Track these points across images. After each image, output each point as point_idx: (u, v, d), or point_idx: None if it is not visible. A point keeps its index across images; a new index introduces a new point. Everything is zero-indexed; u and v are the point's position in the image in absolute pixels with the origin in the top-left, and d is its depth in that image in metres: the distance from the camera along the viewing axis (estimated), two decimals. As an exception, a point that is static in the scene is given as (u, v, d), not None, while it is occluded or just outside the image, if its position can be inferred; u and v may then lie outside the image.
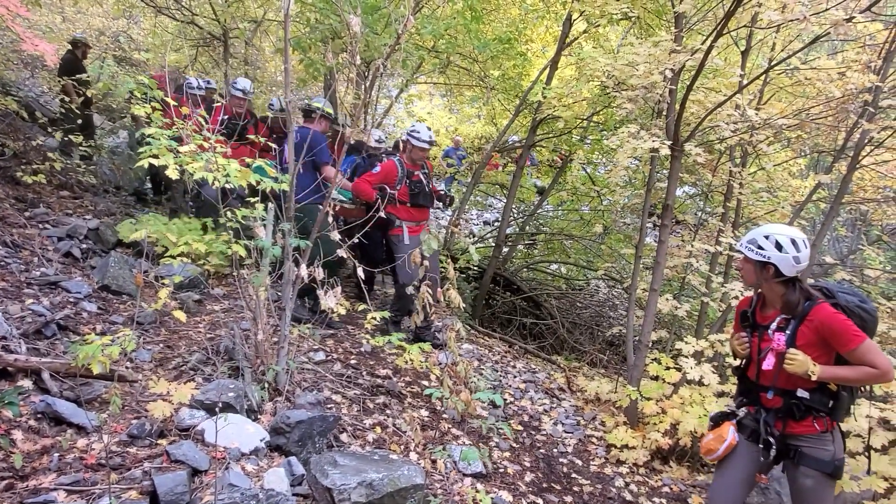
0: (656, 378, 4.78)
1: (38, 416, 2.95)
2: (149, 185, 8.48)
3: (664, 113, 4.94)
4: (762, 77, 5.13)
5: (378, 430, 3.87)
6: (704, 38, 4.78)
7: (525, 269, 9.88)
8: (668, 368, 4.74)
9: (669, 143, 4.55)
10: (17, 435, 2.78)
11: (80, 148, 7.01)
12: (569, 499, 3.91)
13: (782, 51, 5.40)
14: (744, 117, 4.84)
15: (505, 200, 9.17)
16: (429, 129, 5.51)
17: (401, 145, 5.61)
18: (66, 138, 6.99)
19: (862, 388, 2.86)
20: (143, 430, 2.97)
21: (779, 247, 2.69)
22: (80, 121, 7.27)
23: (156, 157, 3.34)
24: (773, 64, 4.90)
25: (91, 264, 5.21)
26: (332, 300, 3.54)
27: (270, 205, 3.83)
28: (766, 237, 2.72)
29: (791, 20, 3.78)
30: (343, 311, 3.78)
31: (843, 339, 2.64)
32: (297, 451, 3.17)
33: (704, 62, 4.17)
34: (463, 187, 9.26)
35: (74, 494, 2.49)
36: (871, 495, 3.56)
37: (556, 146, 8.97)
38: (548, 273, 10.16)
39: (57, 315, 4.01)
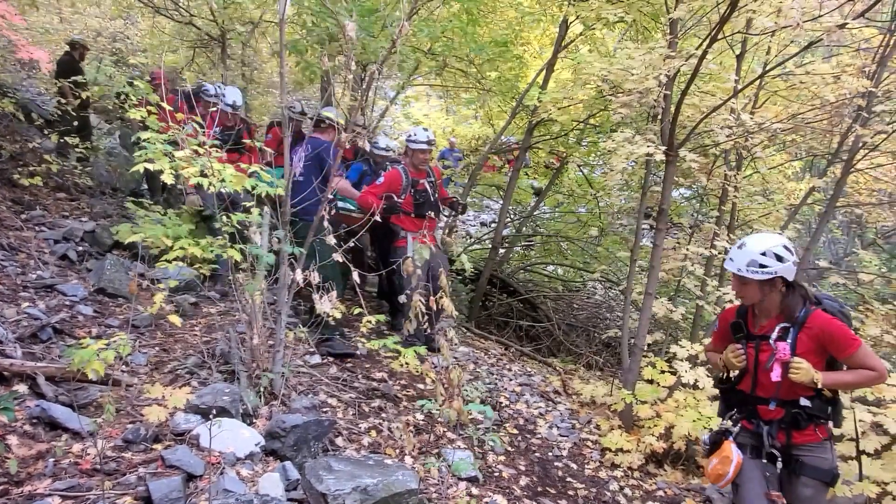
0: (651, 381, 4.80)
1: (34, 420, 2.95)
2: (145, 187, 8.48)
3: (659, 117, 4.96)
4: (757, 82, 5.15)
5: (373, 433, 3.88)
6: (699, 42, 4.80)
7: (522, 271, 9.89)
8: (662, 372, 4.76)
9: (664, 148, 4.57)
10: (12, 440, 2.78)
11: (77, 150, 7.02)
12: (563, 503, 3.92)
13: (777, 55, 5.43)
14: (738, 122, 4.86)
15: (501, 202, 9.18)
16: (425, 129, 5.43)
17: (407, 152, 5.50)
18: (62, 140, 7.00)
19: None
20: (138, 434, 2.98)
21: (780, 258, 2.69)
22: (76, 122, 7.28)
23: (151, 161, 3.36)
24: (767, 69, 4.92)
25: (87, 267, 5.21)
26: (327, 304, 3.56)
27: (266, 209, 3.84)
28: (764, 254, 2.70)
29: (785, 26, 3.80)
30: (339, 315, 3.80)
31: (842, 344, 2.66)
32: (293, 456, 3.18)
33: (699, 67, 4.19)
34: (460, 189, 9.28)
35: (69, 500, 2.50)
36: (863, 500, 3.58)
37: (552, 148, 8.99)
38: (544, 275, 10.18)
39: (53, 318, 4.01)
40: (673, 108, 4.63)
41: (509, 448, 4.40)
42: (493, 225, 10.12)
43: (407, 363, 3.95)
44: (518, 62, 8.36)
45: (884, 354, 5.02)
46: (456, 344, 3.37)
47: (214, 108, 5.22)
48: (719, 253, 5.41)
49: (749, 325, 2.89)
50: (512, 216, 10.30)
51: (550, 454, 4.53)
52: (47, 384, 3.24)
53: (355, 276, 3.72)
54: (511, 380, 5.79)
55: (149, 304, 3.39)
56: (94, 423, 3.00)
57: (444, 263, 5.48)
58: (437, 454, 3.85)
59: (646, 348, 5.01)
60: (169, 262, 3.55)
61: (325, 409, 3.94)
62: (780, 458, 2.76)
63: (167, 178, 3.26)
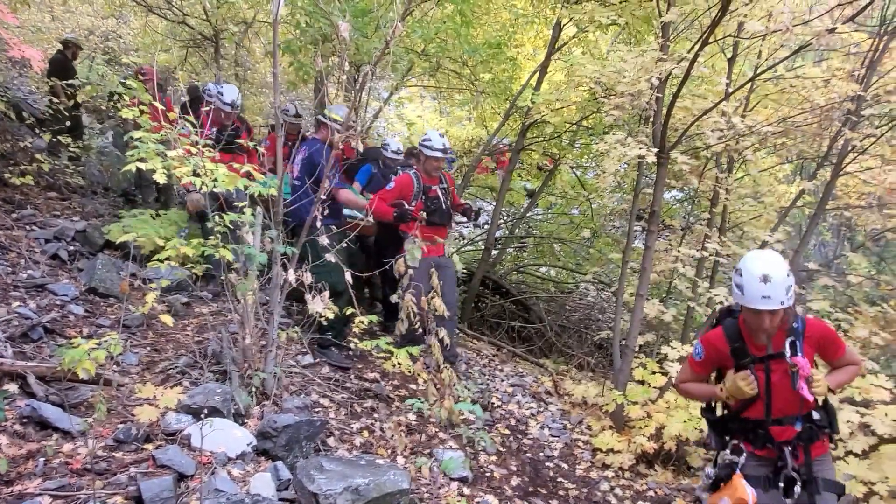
0: (642, 382, 4.82)
1: (24, 420, 2.94)
2: (134, 188, 8.44)
3: (651, 120, 4.99)
4: (748, 85, 5.19)
5: (365, 433, 3.88)
6: (691, 45, 4.83)
7: (514, 273, 9.92)
8: (653, 373, 4.78)
9: (656, 150, 4.60)
10: (3, 439, 2.77)
11: (69, 149, 6.98)
12: (554, 503, 3.94)
13: (768, 58, 5.47)
14: (729, 124, 4.90)
15: (494, 203, 9.20)
16: (442, 135, 5.18)
17: (420, 157, 5.26)
18: (54, 139, 6.96)
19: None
20: (129, 434, 2.97)
21: (790, 273, 2.57)
22: (68, 122, 7.24)
23: (143, 160, 3.35)
24: (758, 72, 4.96)
25: (78, 266, 5.19)
26: (319, 305, 3.56)
27: (259, 209, 3.84)
28: (788, 275, 2.52)
29: (775, 30, 3.84)
30: (331, 316, 3.79)
31: (836, 346, 2.65)
32: (284, 456, 3.18)
33: (690, 70, 4.22)
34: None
35: (59, 500, 2.49)
36: (851, 500, 3.61)
37: (545, 150, 9.02)
38: (537, 276, 10.20)
39: (43, 318, 4.00)
40: (665, 111, 4.66)
41: (501, 448, 4.42)
42: (485, 226, 10.14)
43: (399, 363, 3.95)
44: (512, 64, 8.37)
45: (872, 356, 5.07)
46: (447, 345, 3.37)
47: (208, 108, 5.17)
48: (710, 255, 5.44)
49: (750, 348, 2.69)
50: (505, 217, 10.32)
51: (542, 454, 4.55)
52: (38, 383, 3.23)
53: (347, 276, 3.73)
54: (503, 380, 5.81)
55: (140, 303, 3.39)
56: (84, 423, 3.00)
57: (452, 273, 5.32)
58: (429, 454, 3.86)
59: (637, 349, 5.03)
60: (161, 261, 3.54)
61: (317, 409, 3.94)
62: (798, 481, 2.59)
63: (159, 178, 3.25)
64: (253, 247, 3.63)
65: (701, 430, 4.35)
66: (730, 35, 4.89)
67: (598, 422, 5.00)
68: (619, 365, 4.97)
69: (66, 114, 7.13)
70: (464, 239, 11.21)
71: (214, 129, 5.26)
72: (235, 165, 3.56)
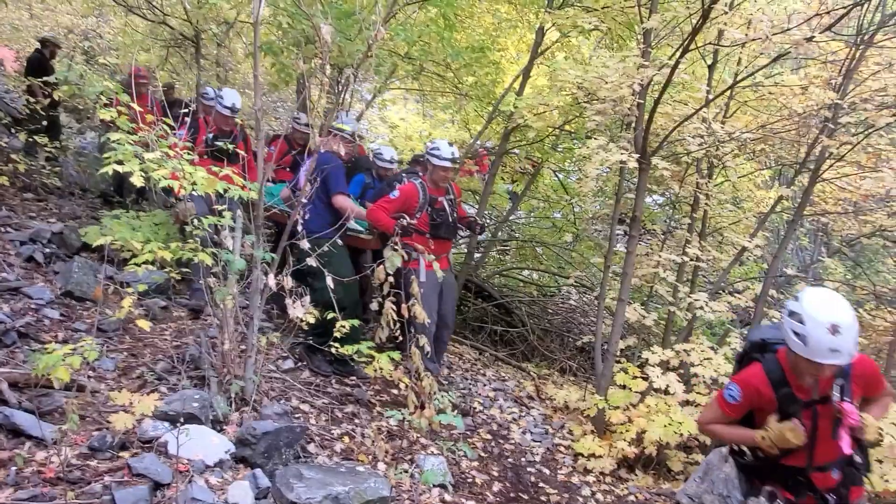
0: (624, 387, 4.85)
1: (-4, 428, 2.88)
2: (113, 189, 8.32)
3: (633, 125, 5.02)
4: (728, 92, 5.25)
5: (346, 439, 3.86)
6: (673, 52, 4.87)
7: (497, 276, 9.92)
8: (634, 377, 4.80)
9: (637, 156, 4.63)
10: (-27, 448, 2.71)
11: (46, 149, 6.87)
12: (535, 508, 3.94)
13: (748, 66, 5.54)
14: (710, 131, 4.95)
15: (477, 207, 9.21)
16: (451, 144, 4.82)
17: (427, 167, 4.96)
18: (30, 139, 6.85)
19: None
20: (104, 442, 2.92)
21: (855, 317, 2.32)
22: (45, 122, 7.13)
23: (121, 163, 3.29)
24: (738, 79, 5.02)
25: (54, 269, 5.10)
26: (300, 310, 3.53)
27: (239, 212, 3.80)
28: (854, 319, 2.23)
29: (754, 39, 3.88)
30: (312, 321, 3.76)
31: (879, 381, 2.46)
32: (263, 463, 3.15)
33: (671, 77, 4.25)
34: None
35: (31, 510, 2.44)
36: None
37: (528, 153, 9.04)
38: (519, 279, 10.22)
39: (17, 322, 3.92)
40: (646, 117, 4.69)
41: (482, 454, 4.41)
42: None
43: (381, 369, 3.92)
44: (495, 68, 8.39)
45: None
46: (428, 352, 3.36)
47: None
48: (691, 259, 5.49)
49: (794, 390, 2.42)
50: (488, 221, 10.33)
51: (523, 460, 4.55)
52: (10, 390, 3.16)
53: (329, 281, 3.69)
54: (485, 385, 5.81)
55: (117, 306, 3.34)
56: (58, 431, 2.94)
57: (454, 286, 5.15)
58: (411, 460, 3.84)
59: (618, 354, 5.06)
60: (138, 265, 3.48)
61: (297, 415, 3.90)
62: None
63: (136, 181, 3.20)
64: (233, 251, 3.59)
65: (681, 435, 4.38)
66: (710, 43, 4.94)
67: (579, 426, 5.01)
68: (601, 369, 4.99)
69: (44, 113, 7.02)
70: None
71: (210, 136, 5.09)
72: (230, 174, 3.51)
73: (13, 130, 7.28)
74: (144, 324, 3.21)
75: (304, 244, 3.68)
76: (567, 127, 7.60)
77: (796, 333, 2.23)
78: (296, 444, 3.39)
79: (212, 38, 8.79)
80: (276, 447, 3.22)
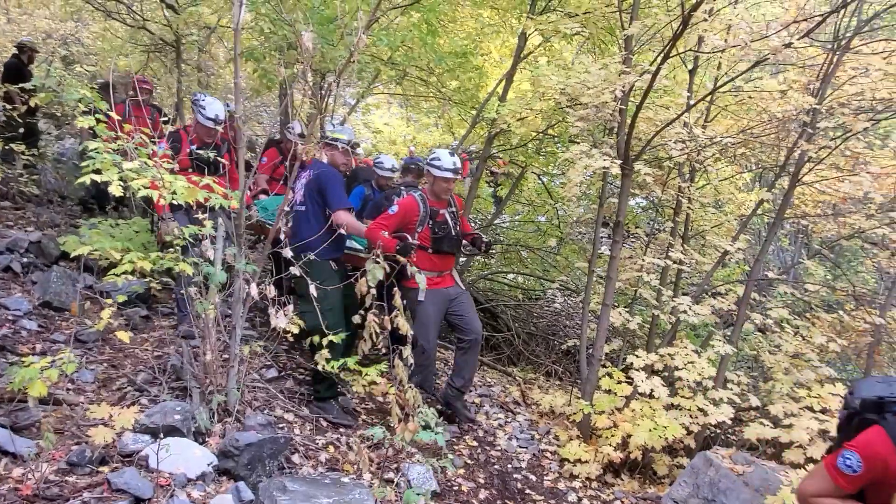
0: (609, 391, 4.85)
1: (-30, 444, 2.82)
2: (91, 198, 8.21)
3: (615, 131, 5.05)
4: (708, 97, 5.29)
5: (331, 449, 3.83)
6: (654, 58, 4.91)
7: (482, 280, 9.91)
8: (619, 382, 4.81)
9: (620, 161, 4.65)
10: (-53, 466, 2.65)
11: (23, 157, 6.76)
12: (522, 514, 3.93)
13: (728, 71, 5.59)
14: (691, 135, 4.98)
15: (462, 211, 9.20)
16: (452, 154, 4.56)
17: (426, 176, 4.75)
18: (7, 147, 6.73)
19: None
20: (83, 457, 2.87)
21: None
22: (22, 129, 7.02)
23: (98, 171, 3.24)
24: (718, 85, 5.06)
25: (32, 279, 5.02)
26: (283, 320, 3.49)
27: (220, 221, 3.76)
28: None
29: (734, 46, 3.91)
30: (296, 331, 3.71)
31: None
32: (247, 475, 3.11)
33: (653, 83, 4.27)
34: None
35: (7, 529, 2.39)
36: None
37: (511, 157, 9.06)
38: (504, 283, 10.23)
39: (-7, 335, 3.85)
40: (629, 122, 4.71)
41: (468, 461, 4.40)
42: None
43: (375, 383, 3.86)
44: (478, 72, 8.41)
45: (829, 361, 5.20)
46: (410, 364, 3.33)
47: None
48: (674, 263, 5.52)
49: None
50: (473, 225, 10.32)
51: (510, 466, 4.54)
52: (-14, 405, 3.10)
53: (312, 289, 3.65)
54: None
55: (97, 317, 3.28)
56: (35, 446, 2.88)
57: (469, 298, 4.89)
58: (396, 469, 3.82)
59: (603, 358, 5.07)
60: (117, 275, 3.43)
61: (281, 425, 3.87)
62: None
63: (115, 190, 3.15)
64: (214, 262, 3.54)
65: (666, 438, 4.39)
66: (691, 49, 4.98)
67: (565, 432, 5.01)
68: (586, 374, 5.00)
69: (21, 120, 6.91)
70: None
71: (193, 148, 4.78)
72: (202, 182, 3.47)
73: (-11, 137, 7.16)
74: (124, 335, 3.16)
75: (287, 253, 3.65)
76: (550, 131, 7.63)
77: None
78: (280, 455, 3.36)
79: (192, 43, 8.72)
80: (259, 459, 3.18)
